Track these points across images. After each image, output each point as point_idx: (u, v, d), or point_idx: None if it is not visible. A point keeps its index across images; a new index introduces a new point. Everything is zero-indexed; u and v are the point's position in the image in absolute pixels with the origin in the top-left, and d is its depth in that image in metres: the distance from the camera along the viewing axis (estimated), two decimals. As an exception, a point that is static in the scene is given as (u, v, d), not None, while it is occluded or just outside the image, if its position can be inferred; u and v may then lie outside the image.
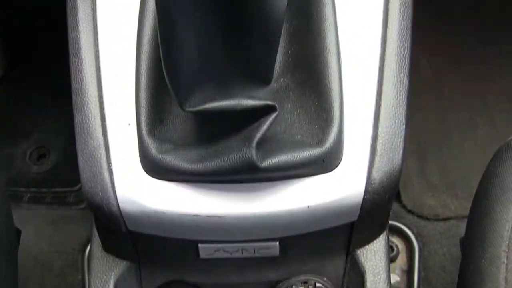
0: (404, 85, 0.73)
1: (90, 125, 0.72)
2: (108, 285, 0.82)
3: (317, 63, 0.70)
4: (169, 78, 0.63)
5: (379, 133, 0.71)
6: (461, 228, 0.91)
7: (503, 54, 1.43)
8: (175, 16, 0.60)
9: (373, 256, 0.83)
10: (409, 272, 1.26)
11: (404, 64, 0.73)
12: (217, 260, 0.79)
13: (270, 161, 0.65)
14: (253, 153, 0.64)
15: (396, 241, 1.28)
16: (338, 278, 0.85)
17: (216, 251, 0.78)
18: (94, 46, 0.74)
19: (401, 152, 0.72)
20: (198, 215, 0.70)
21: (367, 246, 0.83)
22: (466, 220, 0.86)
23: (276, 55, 0.68)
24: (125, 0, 0.75)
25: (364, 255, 0.83)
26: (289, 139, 0.68)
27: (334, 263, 0.84)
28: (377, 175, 0.71)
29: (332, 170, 0.70)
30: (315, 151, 0.67)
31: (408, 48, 0.74)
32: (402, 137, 0.72)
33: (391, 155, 0.71)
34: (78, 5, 0.75)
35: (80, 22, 0.74)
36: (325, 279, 0.84)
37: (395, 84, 0.72)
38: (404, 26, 0.74)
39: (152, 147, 0.68)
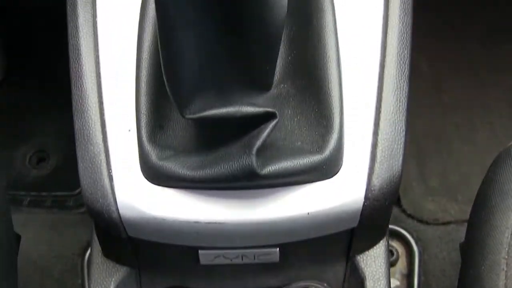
0: (404, 92, 0.73)
1: (90, 131, 0.72)
2: None
3: (317, 69, 0.70)
4: (169, 85, 0.63)
5: (379, 139, 0.71)
6: (461, 232, 0.91)
7: (503, 60, 1.43)
8: (175, 23, 0.60)
9: (373, 262, 0.83)
10: (409, 276, 1.25)
11: (404, 71, 0.73)
12: (217, 266, 0.79)
13: (270, 168, 0.65)
14: (253, 160, 0.64)
15: (396, 245, 1.28)
16: (338, 284, 0.85)
17: (216, 257, 0.78)
18: (94, 52, 0.74)
19: (401, 158, 0.72)
20: (198, 221, 0.70)
21: (367, 252, 0.83)
22: (466, 224, 0.86)
23: (276, 62, 0.68)
24: (126, 7, 0.75)
25: (364, 261, 0.83)
26: (289, 146, 0.68)
27: (334, 269, 0.84)
28: (377, 181, 0.71)
29: (332, 176, 0.70)
30: (315, 158, 0.67)
31: (408, 55, 0.74)
32: (402, 143, 0.72)
33: (391, 161, 0.71)
34: (79, 11, 0.75)
35: (80, 28, 0.74)
36: (325, 285, 0.84)
37: (395, 91, 0.72)
38: (404, 33, 0.74)
39: (152, 154, 0.68)
